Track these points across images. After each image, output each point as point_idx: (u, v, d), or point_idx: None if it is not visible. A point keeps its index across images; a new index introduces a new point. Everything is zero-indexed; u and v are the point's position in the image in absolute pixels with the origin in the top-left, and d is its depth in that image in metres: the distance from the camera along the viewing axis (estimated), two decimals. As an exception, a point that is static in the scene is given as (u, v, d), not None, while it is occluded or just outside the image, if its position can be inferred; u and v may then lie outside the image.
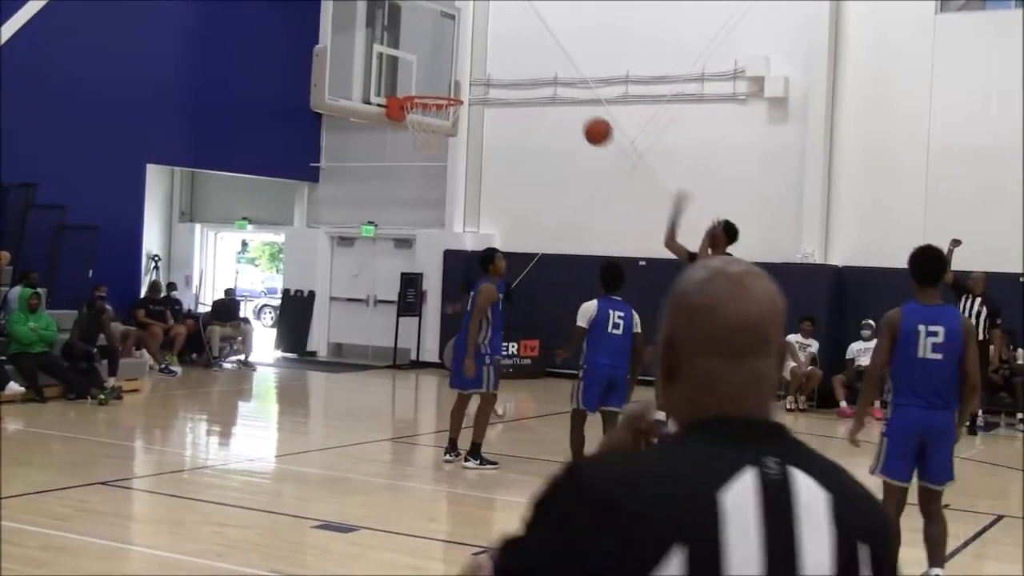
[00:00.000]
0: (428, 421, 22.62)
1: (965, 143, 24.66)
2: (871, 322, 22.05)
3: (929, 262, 9.89)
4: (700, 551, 2.30)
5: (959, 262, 22.48)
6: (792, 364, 24.12)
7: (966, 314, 20.79)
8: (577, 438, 14.97)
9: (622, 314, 15.09)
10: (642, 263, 25.30)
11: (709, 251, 14.88)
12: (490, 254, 16.55)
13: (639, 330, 15.21)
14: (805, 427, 22.01)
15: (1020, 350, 22.85)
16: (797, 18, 26.20)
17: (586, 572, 2.30)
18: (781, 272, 22.33)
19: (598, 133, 15.87)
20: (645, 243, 26.75)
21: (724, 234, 14.98)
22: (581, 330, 14.93)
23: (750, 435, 2.46)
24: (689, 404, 2.55)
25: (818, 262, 25.75)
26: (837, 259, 25.72)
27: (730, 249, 14.91)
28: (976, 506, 15.13)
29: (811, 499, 2.41)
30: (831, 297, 24.98)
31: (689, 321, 2.56)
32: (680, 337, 2.57)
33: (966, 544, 12.72)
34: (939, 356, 9.65)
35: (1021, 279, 23.78)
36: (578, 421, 15.03)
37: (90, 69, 26.19)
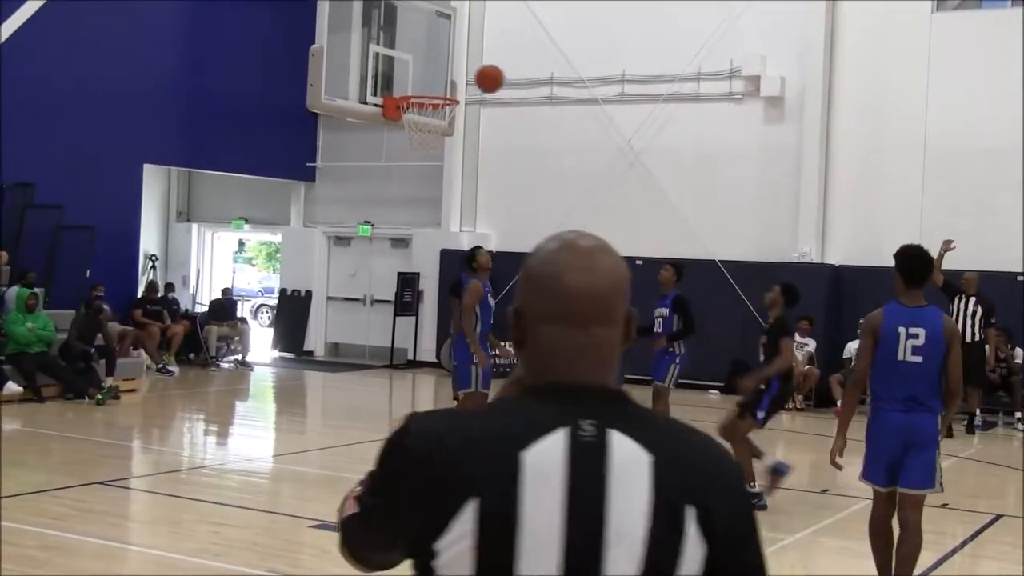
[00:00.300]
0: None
1: (961, 142, 24.68)
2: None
3: (916, 262, 9.54)
4: (492, 504, 2.43)
5: (954, 262, 22.54)
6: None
7: (961, 314, 20.80)
8: None
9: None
10: (639, 262, 25.26)
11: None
12: (472, 251, 16.54)
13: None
14: (803, 426, 22.05)
15: (1018, 349, 22.85)
16: (793, 17, 26.21)
17: (402, 517, 2.53)
18: (778, 271, 22.67)
19: (489, 78, 15.64)
20: (641, 242, 26.80)
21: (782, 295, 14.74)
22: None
23: (576, 399, 2.55)
24: (533, 370, 2.66)
25: (815, 261, 25.76)
26: (834, 258, 25.74)
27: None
28: (974, 505, 15.16)
29: (628, 460, 2.47)
30: (828, 296, 24.98)
31: (535, 290, 2.66)
32: (528, 306, 2.67)
33: (964, 543, 12.76)
34: (919, 359, 9.30)
35: (1019, 278, 23.79)
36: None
37: (87, 69, 26.19)
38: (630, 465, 2.48)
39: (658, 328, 17.34)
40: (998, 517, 14.27)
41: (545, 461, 2.46)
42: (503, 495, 2.45)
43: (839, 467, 9.60)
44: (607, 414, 2.53)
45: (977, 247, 23.94)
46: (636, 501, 2.46)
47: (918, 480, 9.45)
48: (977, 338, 20.86)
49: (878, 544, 9.77)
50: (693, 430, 2.65)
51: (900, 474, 9.47)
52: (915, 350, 9.27)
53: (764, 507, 13.38)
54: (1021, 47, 24.29)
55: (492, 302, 16.16)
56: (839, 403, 22.88)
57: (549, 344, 2.62)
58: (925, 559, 11.48)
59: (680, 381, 23.81)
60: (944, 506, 14.11)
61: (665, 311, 17.36)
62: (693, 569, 2.48)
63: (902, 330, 9.30)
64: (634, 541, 2.44)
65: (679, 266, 17.92)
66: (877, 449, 9.48)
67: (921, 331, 9.28)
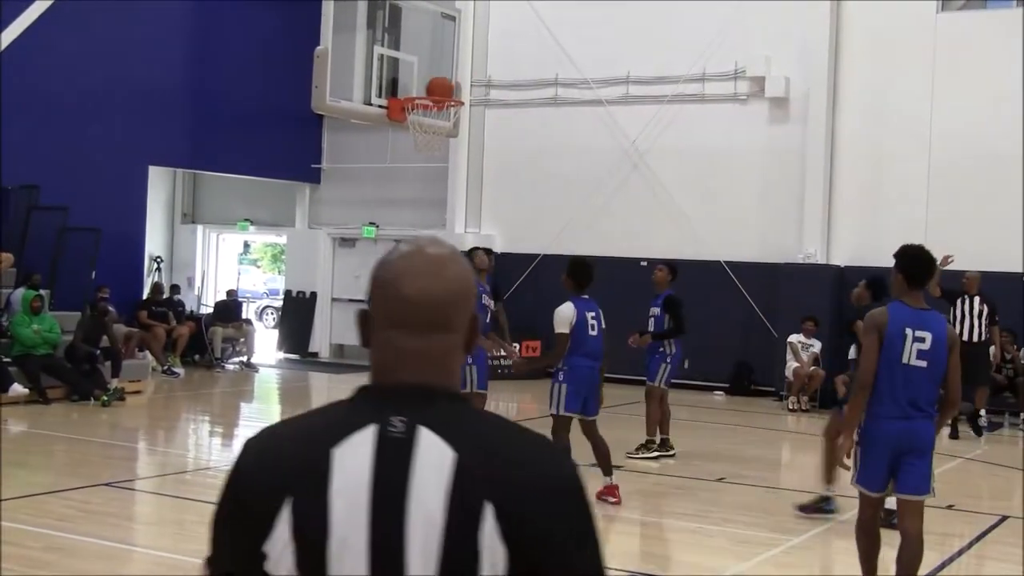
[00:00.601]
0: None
1: (967, 142, 24.66)
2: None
3: (918, 262, 9.31)
4: (304, 502, 2.54)
5: (959, 263, 22.52)
6: (795, 364, 24.15)
7: (967, 315, 20.77)
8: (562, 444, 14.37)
9: (594, 313, 14.44)
10: (643, 263, 25.30)
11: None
12: (471, 251, 16.50)
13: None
14: (807, 427, 22.03)
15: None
16: (798, 18, 26.20)
17: (237, 532, 2.62)
18: (783, 272, 22.66)
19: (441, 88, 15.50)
20: (646, 243, 26.84)
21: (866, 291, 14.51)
22: (565, 337, 14.09)
23: (395, 398, 2.62)
24: (372, 371, 2.74)
25: (820, 262, 25.75)
26: (839, 259, 25.72)
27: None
28: (979, 507, 15.16)
29: (432, 456, 2.52)
30: (833, 297, 24.95)
31: (377, 296, 2.72)
32: (372, 309, 2.74)
33: (970, 545, 12.75)
34: (923, 364, 9.04)
35: (1023, 279, 23.77)
36: (562, 427, 14.18)
37: (92, 71, 26.20)
38: (433, 461, 2.52)
39: (650, 328, 17.36)
40: (1004, 518, 14.25)
41: (353, 457, 2.55)
42: (314, 491, 2.54)
43: (848, 467, 9.37)
44: (420, 412, 2.59)
45: (982, 248, 23.94)
46: (435, 497, 2.50)
47: (916, 486, 9.23)
48: (983, 337, 20.84)
49: (866, 545, 9.60)
50: (519, 432, 2.65)
51: (898, 480, 9.24)
52: (920, 354, 9.05)
53: (831, 511, 13.34)
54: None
55: (488, 303, 16.11)
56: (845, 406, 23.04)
57: (386, 348, 2.69)
58: (930, 560, 11.48)
59: (684, 382, 23.90)
60: (950, 507, 14.10)
61: (657, 311, 17.36)
62: (496, 570, 2.48)
63: (909, 332, 9.07)
64: (432, 536, 2.49)
65: (673, 267, 17.91)
66: (874, 454, 9.20)
67: (928, 335, 9.07)
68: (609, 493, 14.02)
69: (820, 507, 13.50)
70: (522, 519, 2.49)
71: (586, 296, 14.35)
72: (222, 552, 2.67)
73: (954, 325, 20.78)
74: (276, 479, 2.59)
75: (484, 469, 2.52)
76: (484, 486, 2.50)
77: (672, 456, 17.46)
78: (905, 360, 9.06)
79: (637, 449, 17.39)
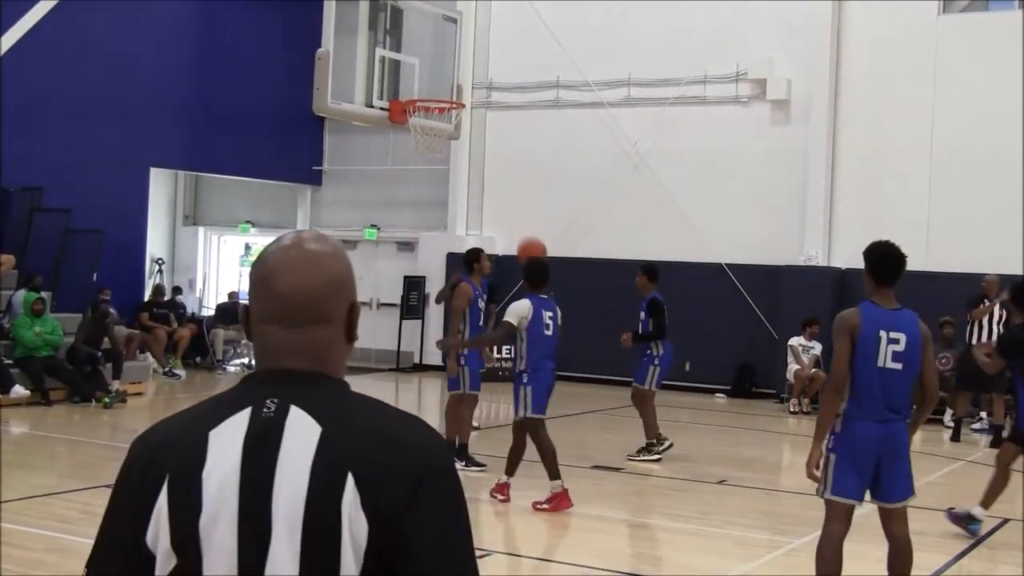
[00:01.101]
0: (431, 424, 22.59)
1: (968, 145, 24.67)
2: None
3: (887, 259, 9.00)
4: (180, 479, 2.64)
5: (960, 265, 22.60)
6: (796, 367, 24.16)
7: (987, 319, 20.52)
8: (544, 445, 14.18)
9: (551, 314, 14.17)
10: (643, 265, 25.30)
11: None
12: (475, 253, 16.49)
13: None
14: (808, 429, 21.98)
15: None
16: (799, 20, 26.21)
17: (120, 518, 2.74)
18: (785, 274, 22.64)
19: (533, 247, 15.48)
20: (647, 245, 26.85)
21: None
22: (511, 326, 13.89)
23: (271, 382, 2.72)
24: (255, 361, 2.86)
25: (821, 264, 25.75)
26: (840, 261, 25.70)
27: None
28: (980, 508, 15.15)
29: (299, 432, 2.61)
30: (834, 299, 24.92)
31: (252, 291, 2.81)
32: (250, 304, 2.82)
33: (972, 546, 12.74)
34: (899, 366, 8.76)
35: (1025, 281, 23.76)
36: (535, 429, 14.11)
37: (94, 73, 26.23)
38: (300, 436, 2.61)
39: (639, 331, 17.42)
40: (1006, 521, 14.25)
41: (228, 438, 2.65)
42: (189, 470, 2.64)
43: (817, 479, 9.06)
44: (294, 393, 2.68)
45: (983, 250, 23.98)
46: (300, 469, 2.58)
47: (902, 492, 8.98)
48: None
49: (827, 568, 9.08)
50: (391, 412, 2.74)
51: (879, 488, 8.96)
52: (896, 356, 8.78)
53: (974, 532, 13.26)
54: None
55: (482, 305, 16.19)
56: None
57: (263, 341, 2.78)
58: (932, 562, 11.51)
59: (685, 384, 23.94)
60: (951, 509, 14.09)
61: (642, 315, 17.38)
62: (358, 542, 2.55)
63: (883, 334, 8.80)
64: (295, 507, 2.56)
65: (649, 269, 17.79)
66: (854, 461, 8.88)
67: (902, 336, 8.80)
68: (500, 491, 14.20)
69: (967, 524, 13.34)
70: (383, 491, 2.55)
71: (544, 296, 14.09)
72: (106, 548, 2.77)
73: (973, 331, 20.60)
74: (156, 461, 2.69)
75: (348, 442, 2.60)
76: (346, 458, 2.57)
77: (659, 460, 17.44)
78: (881, 363, 8.79)
79: (639, 452, 17.41)
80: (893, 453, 8.88)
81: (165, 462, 2.68)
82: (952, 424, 21.70)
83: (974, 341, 20.41)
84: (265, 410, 2.65)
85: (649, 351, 17.40)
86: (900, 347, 8.81)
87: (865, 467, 8.89)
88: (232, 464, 2.62)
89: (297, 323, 2.74)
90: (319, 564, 2.56)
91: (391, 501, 2.55)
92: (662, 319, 17.22)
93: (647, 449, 17.44)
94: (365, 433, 2.63)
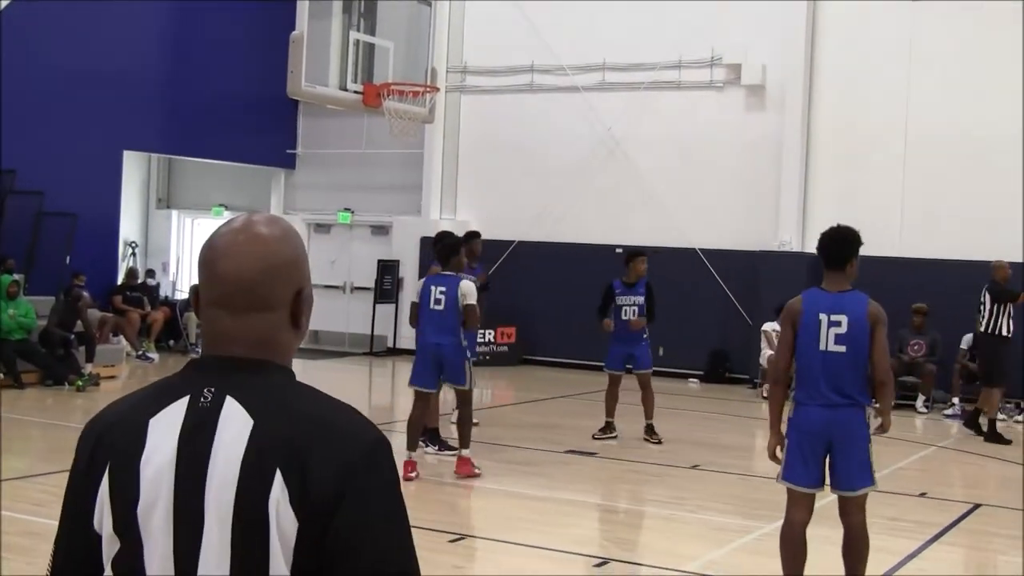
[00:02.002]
0: (405, 408, 22.59)
1: (942, 131, 24.71)
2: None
3: (831, 242, 9.13)
4: (120, 465, 2.67)
5: (936, 251, 22.68)
6: (769, 352, 24.20)
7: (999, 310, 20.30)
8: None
9: (444, 288, 14.61)
10: (618, 250, 25.29)
11: None
12: (469, 236, 16.52)
13: (471, 303, 14.67)
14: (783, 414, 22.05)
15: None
16: (775, 5, 26.20)
17: (77, 491, 2.77)
18: (759, 260, 22.70)
19: None
20: (622, 230, 26.87)
21: None
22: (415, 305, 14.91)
23: (210, 371, 2.73)
24: (202, 345, 2.88)
25: (796, 250, 25.78)
26: (814, 247, 25.70)
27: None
28: (952, 495, 15.23)
29: (233, 425, 2.62)
30: (809, 285, 24.75)
31: (200, 271, 2.81)
32: (199, 286, 2.83)
33: (942, 532, 12.78)
34: (842, 348, 8.73)
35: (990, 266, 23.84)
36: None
37: (67, 56, 26.09)
38: (233, 429, 2.61)
39: (632, 315, 17.46)
40: (977, 506, 14.31)
41: (165, 425, 2.66)
42: (129, 457, 2.66)
43: (779, 462, 9.12)
44: (231, 383, 2.68)
45: (958, 236, 24.05)
46: (231, 464, 2.58)
47: (854, 481, 8.88)
48: (1006, 332, 20.20)
49: (789, 555, 9.21)
50: (328, 404, 2.72)
51: (833, 476, 8.95)
52: (838, 339, 8.77)
53: None
54: (1002, 35, 24.37)
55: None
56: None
57: (208, 325, 2.78)
58: (904, 547, 11.56)
59: (659, 370, 23.91)
60: (922, 495, 14.16)
61: (640, 298, 17.55)
62: (287, 538, 2.54)
63: (823, 317, 8.83)
64: (225, 502, 2.58)
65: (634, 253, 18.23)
66: (799, 448, 8.91)
67: (843, 318, 8.78)
68: (409, 468, 14.48)
69: None
70: (312, 485, 2.54)
71: (449, 272, 14.77)
72: (65, 530, 2.83)
73: (991, 320, 20.31)
74: (101, 446, 2.72)
75: (278, 437, 2.58)
76: (276, 454, 2.56)
77: (615, 438, 17.61)
78: (823, 347, 8.80)
79: (651, 435, 17.72)
80: (844, 439, 8.83)
81: (108, 447, 2.70)
82: (959, 415, 21.61)
83: (1004, 331, 19.95)
84: (202, 400, 2.66)
85: (646, 335, 17.61)
86: (842, 329, 8.79)
87: (814, 453, 8.89)
88: (168, 454, 2.63)
89: (239, 308, 2.73)
90: (249, 559, 2.56)
91: (320, 495, 2.54)
92: (653, 301, 17.56)
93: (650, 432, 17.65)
94: (297, 426, 2.61)
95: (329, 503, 2.53)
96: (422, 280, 14.97)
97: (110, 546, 2.68)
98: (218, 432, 2.61)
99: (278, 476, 2.54)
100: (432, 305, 14.60)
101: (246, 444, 2.58)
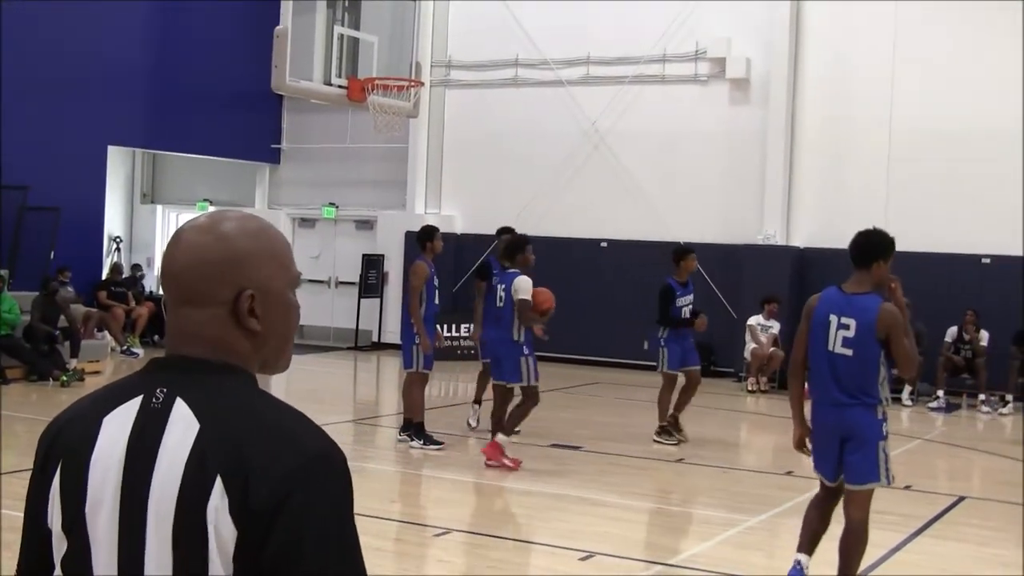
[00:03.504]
0: (390, 402, 22.61)
1: (926, 125, 24.75)
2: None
3: (856, 243, 9.01)
4: (70, 464, 2.64)
5: (918, 245, 22.66)
6: (754, 346, 24.23)
7: None
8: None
9: (504, 285, 14.95)
10: (603, 244, 25.34)
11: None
12: (430, 232, 16.45)
13: (525, 297, 14.83)
14: (767, 408, 22.12)
15: (983, 332, 22.91)
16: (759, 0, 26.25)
17: (34, 489, 2.73)
18: (743, 253, 22.71)
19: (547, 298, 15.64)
20: (606, 224, 26.88)
21: None
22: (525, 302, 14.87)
23: (166, 370, 2.68)
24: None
25: (780, 243, 25.80)
26: (799, 240, 25.78)
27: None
28: (937, 487, 15.27)
29: (179, 429, 2.55)
30: (793, 278, 25.04)
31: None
32: None
33: (928, 524, 12.81)
34: (848, 352, 8.78)
35: (983, 260, 23.89)
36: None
37: (51, 51, 26.03)
38: (179, 433, 2.55)
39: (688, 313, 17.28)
40: (961, 499, 14.34)
41: (117, 426, 2.62)
42: (80, 455, 2.63)
43: (808, 453, 9.21)
44: (183, 384, 2.62)
45: (942, 229, 24.10)
46: (174, 469, 2.52)
47: (857, 475, 8.96)
48: None
49: (810, 518, 9.37)
50: (276, 410, 2.62)
51: (843, 468, 9.03)
52: (845, 342, 8.80)
53: None
54: (985, 29, 24.41)
55: (437, 283, 16.23)
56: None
57: (168, 321, 2.75)
58: (889, 540, 11.57)
59: (643, 363, 23.97)
60: (908, 488, 14.18)
61: (691, 296, 17.48)
62: (226, 547, 2.47)
63: (833, 318, 8.85)
64: (166, 508, 2.52)
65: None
66: (817, 444, 9.12)
67: (852, 322, 8.78)
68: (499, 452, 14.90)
69: None
70: (252, 494, 2.45)
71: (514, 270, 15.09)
72: (25, 527, 2.76)
73: None
74: (57, 443, 2.70)
75: (223, 443, 2.51)
76: (218, 459, 2.49)
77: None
78: (831, 348, 8.87)
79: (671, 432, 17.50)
80: (853, 436, 8.90)
81: (62, 444, 2.68)
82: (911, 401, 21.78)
83: None
84: (154, 400, 2.61)
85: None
86: (850, 333, 8.81)
87: (828, 448, 9.02)
88: (117, 455, 2.59)
89: (173, 300, 2.70)
90: (189, 565, 2.49)
91: (259, 505, 2.45)
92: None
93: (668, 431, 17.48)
94: (242, 432, 2.52)
95: (267, 515, 2.45)
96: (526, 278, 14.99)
97: (59, 545, 2.65)
98: (165, 436, 2.56)
99: (218, 483, 2.47)
100: (497, 303, 15.01)
101: (190, 448, 2.52)
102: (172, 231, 23.48)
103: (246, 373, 2.69)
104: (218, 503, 2.46)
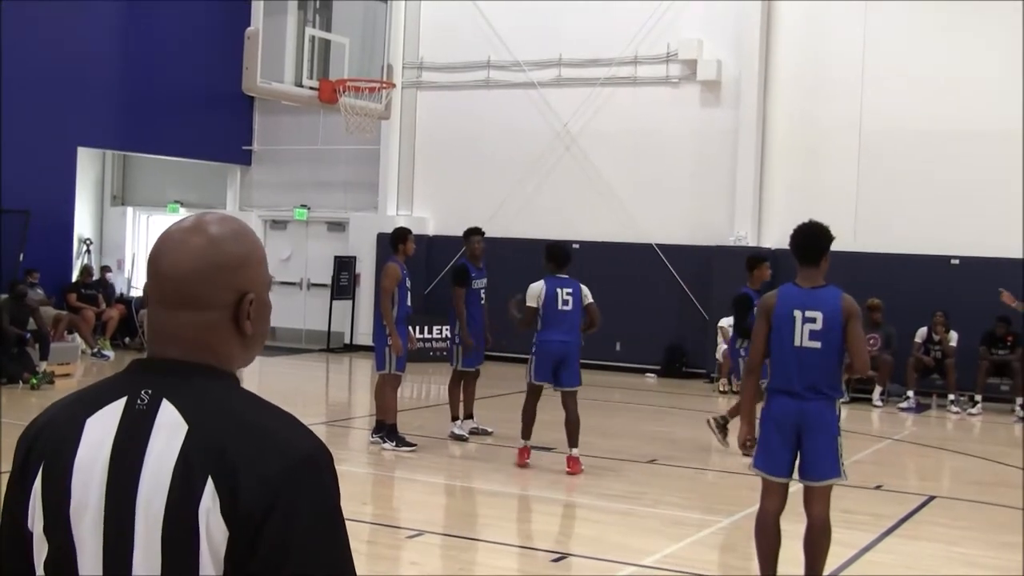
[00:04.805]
0: (362, 404, 22.58)
1: (897, 125, 24.84)
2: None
3: (806, 238, 9.07)
4: (53, 464, 2.66)
5: (890, 246, 22.76)
6: (725, 347, 24.25)
7: None
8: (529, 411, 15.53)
9: (570, 291, 15.14)
10: (576, 246, 25.33)
11: None
12: (402, 234, 16.47)
13: (591, 301, 15.24)
14: (738, 409, 22.12)
15: (952, 332, 22.99)
16: (729, 1, 26.29)
17: (13, 491, 2.75)
18: (715, 255, 22.74)
19: None
20: (578, 226, 26.90)
21: None
22: (533, 310, 15.04)
23: (149, 372, 2.70)
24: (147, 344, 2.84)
25: (751, 245, 25.82)
26: (770, 242, 25.81)
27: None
28: (907, 487, 15.32)
29: (168, 429, 2.58)
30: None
31: (147, 270, 2.79)
32: (146, 284, 2.83)
33: (898, 524, 12.85)
34: (817, 344, 8.81)
35: (952, 262, 23.97)
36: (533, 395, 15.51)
37: (19, 51, 25.90)
38: (167, 434, 2.57)
39: None
40: (931, 498, 14.40)
41: (101, 427, 2.63)
42: (62, 456, 2.65)
43: (749, 453, 9.25)
44: (168, 386, 2.64)
45: (912, 231, 24.19)
46: (163, 470, 2.54)
47: (820, 471, 8.95)
48: None
49: (763, 544, 9.24)
50: (263, 411, 2.66)
51: (800, 466, 9.01)
52: (812, 335, 8.83)
53: None
54: (956, 29, 24.50)
55: (409, 285, 16.25)
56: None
57: (150, 322, 2.78)
58: (860, 540, 11.61)
59: (615, 364, 23.98)
60: (878, 487, 14.23)
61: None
62: (217, 548, 2.49)
63: (798, 313, 8.86)
64: (156, 509, 2.53)
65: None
66: (772, 438, 9.01)
67: (818, 314, 8.82)
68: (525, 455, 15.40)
69: None
70: (243, 495, 2.49)
71: (564, 275, 15.43)
72: (1, 528, 2.78)
73: None
74: (37, 444, 2.72)
75: (212, 445, 2.54)
76: (208, 461, 2.52)
77: None
78: (797, 343, 8.87)
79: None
80: (814, 429, 8.89)
81: (44, 445, 2.69)
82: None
83: None
84: (139, 402, 2.63)
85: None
86: (817, 325, 8.84)
87: (785, 441, 8.97)
88: (103, 456, 2.60)
89: (172, 304, 2.71)
90: (179, 566, 2.51)
91: (250, 505, 2.48)
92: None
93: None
94: (231, 434, 2.56)
95: (258, 515, 2.48)
96: (540, 284, 15.25)
97: (40, 547, 2.66)
98: (152, 436, 2.58)
99: (209, 484, 2.50)
100: (560, 306, 15.05)
101: (179, 450, 2.54)
102: (142, 233, 23.48)
103: (230, 375, 2.73)
104: (209, 504, 2.49)
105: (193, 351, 2.69)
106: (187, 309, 2.69)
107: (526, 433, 15.42)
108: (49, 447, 2.68)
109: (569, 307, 15.06)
